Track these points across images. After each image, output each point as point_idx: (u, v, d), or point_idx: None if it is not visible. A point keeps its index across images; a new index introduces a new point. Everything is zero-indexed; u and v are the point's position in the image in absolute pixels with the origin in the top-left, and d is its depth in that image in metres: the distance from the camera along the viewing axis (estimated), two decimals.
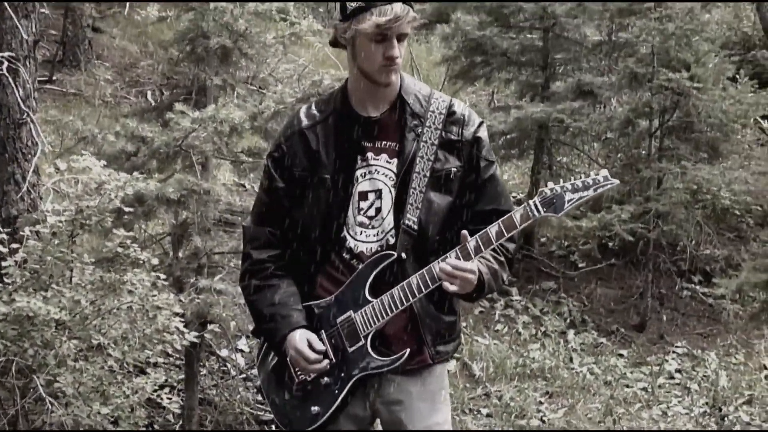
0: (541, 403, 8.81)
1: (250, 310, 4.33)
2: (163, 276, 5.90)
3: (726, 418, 8.41)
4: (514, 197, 13.06)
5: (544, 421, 8.44)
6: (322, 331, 4.16)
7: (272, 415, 4.42)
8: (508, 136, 11.40)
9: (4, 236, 6.00)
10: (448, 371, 8.98)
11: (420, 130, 4.06)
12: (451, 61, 12.22)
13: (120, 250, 5.74)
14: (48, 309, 5.24)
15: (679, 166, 10.46)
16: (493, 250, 4.02)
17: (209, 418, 7.58)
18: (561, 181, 3.92)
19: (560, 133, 11.54)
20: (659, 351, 10.19)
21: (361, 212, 4.12)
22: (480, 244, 3.91)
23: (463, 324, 9.98)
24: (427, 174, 4.05)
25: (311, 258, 4.18)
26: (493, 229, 3.90)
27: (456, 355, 9.36)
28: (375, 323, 4.07)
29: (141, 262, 5.73)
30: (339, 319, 4.13)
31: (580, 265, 11.52)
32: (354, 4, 3.90)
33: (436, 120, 4.08)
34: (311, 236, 4.15)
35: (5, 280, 5.89)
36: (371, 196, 4.11)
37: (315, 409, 4.16)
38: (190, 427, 7.16)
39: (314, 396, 4.16)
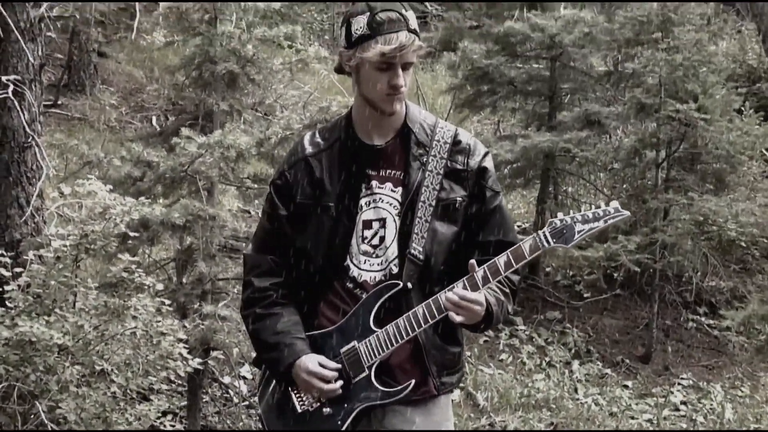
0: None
1: (252, 339, 4.27)
2: (167, 301, 5.84)
3: None
4: (519, 227, 13.02)
5: None
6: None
7: None
8: (514, 165, 11.35)
9: (8, 260, 5.96)
10: (452, 401, 9.02)
11: (425, 159, 4.03)
12: (456, 90, 12.19)
13: (125, 275, 5.69)
14: (51, 334, 5.19)
15: (685, 197, 10.41)
16: (499, 281, 3.97)
17: None
18: (569, 211, 3.90)
19: (566, 163, 11.49)
20: (664, 382, 10.12)
21: (365, 241, 4.07)
22: (488, 274, 3.87)
23: (468, 353, 9.92)
24: (433, 203, 4.02)
25: (314, 286, 4.13)
26: (501, 260, 3.86)
27: (460, 384, 9.32)
28: (380, 354, 4.01)
29: (145, 287, 5.68)
30: (343, 349, 4.07)
31: (585, 295, 11.46)
32: (359, 32, 3.87)
33: (442, 149, 4.04)
34: (314, 265, 4.10)
35: (8, 304, 5.84)
36: (375, 225, 4.07)
37: None
38: None
39: (317, 427, 4.09)
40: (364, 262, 4.07)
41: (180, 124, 7.74)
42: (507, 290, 4.06)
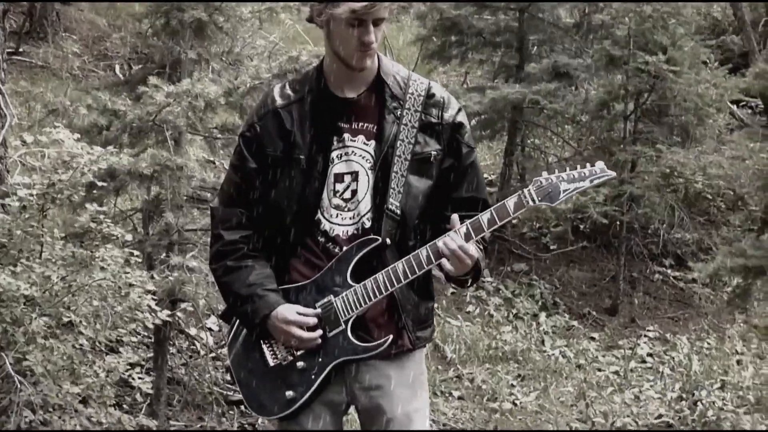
0: (513, 386, 8.75)
1: (222, 292, 4.18)
2: (136, 252, 5.76)
3: (699, 403, 8.35)
4: (486, 179, 12.98)
5: (516, 405, 8.39)
6: None
7: (241, 396, 4.27)
8: (482, 117, 11.30)
9: None
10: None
11: (399, 113, 3.96)
12: (424, 41, 12.09)
13: (92, 225, 5.58)
14: (17, 285, 5.09)
15: (653, 150, 10.42)
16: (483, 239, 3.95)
17: (177, 397, 7.47)
18: (550, 169, 3.88)
19: (534, 115, 11.46)
20: (631, 335, 10.17)
21: (337, 194, 4.01)
22: (470, 230, 3.82)
23: (435, 305, 9.89)
24: (408, 158, 3.96)
25: (285, 241, 4.06)
26: (484, 217, 3.82)
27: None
28: (357, 308, 3.95)
29: (113, 237, 5.59)
30: (318, 303, 4.00)
31: (552, 247, 11.46)
32: None
33: (416, 102, 3.98)
34: (285, 218, 4.02)
35: None
36: (347, 179, 4.00)
37: (289, 393, 4.01)
38: (158, 407, 7.04)
39: (289, 380, 4.02)
40: (336, 216, 4.01)
41: (147, 72, 7.63)
42: (481, 246, 4.01)
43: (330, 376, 4.01)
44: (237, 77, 7.22)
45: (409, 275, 3.87)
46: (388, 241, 3.93)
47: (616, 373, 9.20)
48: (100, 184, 6.08)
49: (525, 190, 3.82)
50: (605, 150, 11.24)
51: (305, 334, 3.95)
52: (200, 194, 7.46)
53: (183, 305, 6.77)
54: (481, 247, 3.99)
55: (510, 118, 11.29)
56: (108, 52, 15.10)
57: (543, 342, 9.70)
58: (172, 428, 7.13)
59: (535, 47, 11.79)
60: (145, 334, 7.43)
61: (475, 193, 4.04)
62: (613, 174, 3.85)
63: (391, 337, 3.95)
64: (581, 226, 11.22)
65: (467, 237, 3.81)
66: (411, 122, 3.96)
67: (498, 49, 11.68)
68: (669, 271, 11.37)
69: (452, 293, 10.35)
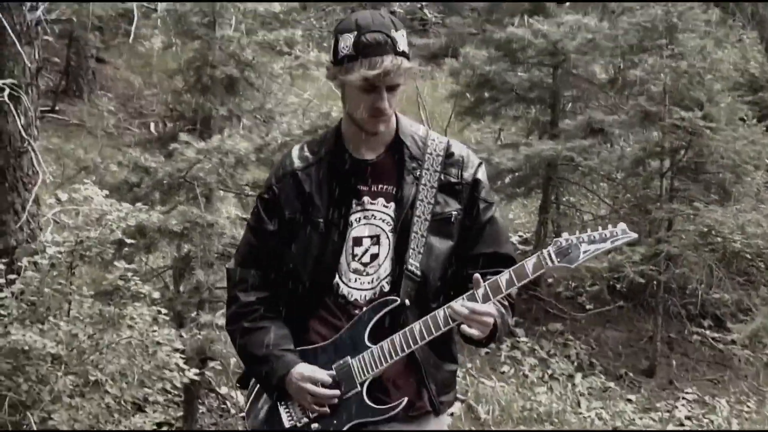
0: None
1: (240, 355, 4.07)
2: (164, 310, 5.67)
3: None
4: (520, 236, 12.88)
5: None
6: None
7: None
8: (516, 174, 11.21)
9: (1, 267, 5.81)
10: (452, 414, 8.87)
11: (419, 173, 3.87)
12: (458, 97, 12.04)
13: (120, 283, 5.52)
14: (44, 342, 5.02)
15: (690, 208, 10.27)
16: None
17: None
18: (574, 230, 3.75)
19: (569, 172, 11.34)
20: (669, 397, 9.96)
21: (356, 258, 3.89)
22: (489, 291, 3.69)
23: (468, 365, 9.78)
24: (428, 218, 3.85)
25: (302, 303, 3.95)
26: (503, 278, 3.69)
27: (461, 397, 9.19)
28: (373, 370, 3.83)
29: (142, 295, 5.51)
30: (335, 365, 3.88)
31: (588, 307, 11.31)
32: (345, 51, 3.68)
33: (435, 162, 3.89)
34: (302, 281, 3.92)
35: (1, 312, 5.68)
36: (366, 242, 3.89)
37: None
38: None
39: None
40: (355, 281, 3.89)
41: (178, 129, 7.60)
42: (506, 303, 3.87)
43: None
44: (268, 134, 7.19)
45: (426, 336, 3.75)
46: (407, 302, 3.81)
47: None
48: (129, 241, 6.01)
49: (544, 251, 3.70)
50: (641, 208, 11.10)
51: (321, 391, 3.82)
52: (231, 252, 7.38)
53: (212, 364, 6.65)
54: (506, 303, 3.87)
55: (544, 175, 11.18)
56: (143, 110, 15.17)
57: (579, 403, 9.52)
58: None
59: (570, 103, 11.72)
60: (176, 392, 7.35)
61: (496, 248, 3.91)
62: (635, 235, 3.73)
63: (406, 399, 3.81)
64: (618, 286, 11.07)
65: (485, 298, 3.68)
66: (430, 182, 3.87)
67: (531, 105, 11.61)
68: (707, 332, 11.17)
69: (486, 353, 10.21)
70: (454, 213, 3.88)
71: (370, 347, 3.82)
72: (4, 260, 5.95)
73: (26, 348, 4.99)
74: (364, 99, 3.71)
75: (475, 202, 3.91)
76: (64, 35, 14.66)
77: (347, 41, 3.68)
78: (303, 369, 3.85)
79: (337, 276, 3.90)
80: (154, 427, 5.76)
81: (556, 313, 11.11)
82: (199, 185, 6.85)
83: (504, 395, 9.28)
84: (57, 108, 14.41)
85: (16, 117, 7.37)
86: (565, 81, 11.32)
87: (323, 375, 3.84)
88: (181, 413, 7.21)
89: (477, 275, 3.72)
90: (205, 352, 6.58)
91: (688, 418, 9.51)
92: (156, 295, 5.74)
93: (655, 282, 10.40)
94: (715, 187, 10.96)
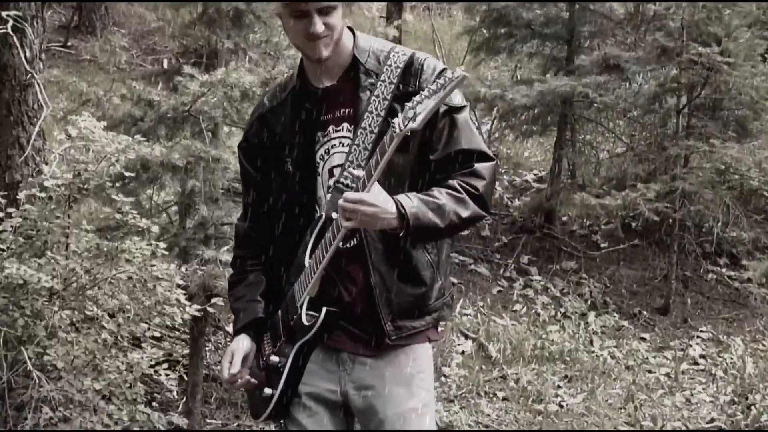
0: (559, 387, 8.49)
1: None
2: (162, 245, 5.58)
3: (753, 407, 8.08)
4: (535, 174, 12.77)
5: (562, 406, 8.13)
6: (279, 312, 3.91)
7: None
8: (531, 111, 11.07)
9: (2, 201, 5.73)
10: (464, 352, 8.81)
11: (373, 89, 3.72)
12: (473, 32, 11.86)
13: (118, 216, 5.42)
14: (39, 277, 4.94)
15: (707, 144, 10.08)
16: (451, 188, 3.64)
17: (214, 395, 7.34)
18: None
19: (584, 109, 11.19)
20: (683, 335, 9.85)
21: (330, 190, 3.77)
22: (365, 180, 3.50)
23: (480, 303, 9.71)
24: (374, 131, 3.66)
25: (287, 245, 3.89)
26: (372, 160, 3.50)
27: (472, 335, 9.11)
28: (305, 288, 3.75)
29: (140, 230, 5.42)
30: (288, 295, 3.86)
31: (602, 245, 11.20)
32: None
33: (392, 74, 3.71)
34: (283, 225, 3.87)
35: (1, 246, 5.61)
36: (336, 172, 3.76)
37: (267, 391, 3.85)
38: (193, 404, 6.89)
39: (268, 379, 3.88)
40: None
41: (185, 63, 7.48)
42: (462, 195, 3.65)
43: (298, 365, 3.80)
44: (275, 67, 7.05)
45: (332, 240, 3.62)
46: (334, 215, 3.63)
47: (667, 375, 8.90)
48: (128, 175, 5.92)
49: (395, 120, 3.44)
50: (659, 145, 10.95)
51: (225, 376, 3.91)
52: (237, 187, 7.29)
53: (216, 300, 6.57)
54: (463, 195, 3.64)
55: (559, 111, 11.03)
56: (156, 46, 15.05)
57: (591, 342, 9.42)
58: (205, 428, 6.97)
59: (587, 39, 11.54)
60: (184, 329, 7.29)
61: (457, 146, 3.70)
62: (465, 74, 3.42)
63: (325, 309, 3.72)
64: (633, 224, 10.96)
65: (362, 186, 3.51)
66: (383, 94, 3.69)
67: (547, 41, 11.43)
68: (723, 270, 11.05)
69: (498, 291, 10.13)
70: None
71: (305, 267, 3.75)
72: (2, 194, 5.86)
73: (21, 282, 4.93)
74: (297, 26, 3.59)
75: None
76: None
77: None
78: (240, 341, 3.95)
79: (315, 213, 3.80)
80: (159, 361, 5.69)
81: (570, 251, 11.01)
82: (204, 119, 6.74)
83: (516, 334, 9.20)
84: (69, 44, 14.30)
85: (21, 50, 7.26)
86: (582, 16, 11.13)
87: (227, 371, 3.89)
88: (187, 351, 7.16)
89: (349, 168, 3.63)
90: (210, 288, 6.50)
91: (702, 356, 9.41)
92: (155, 229, 5.64)
93: (670, 220, 10.26)
94: (732, 124, 10.79)
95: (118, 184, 6.31)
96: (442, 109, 3.65)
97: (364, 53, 3.77)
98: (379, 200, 3.50)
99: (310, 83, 3.80)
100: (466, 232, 10.89)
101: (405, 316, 3.81)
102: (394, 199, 3.54)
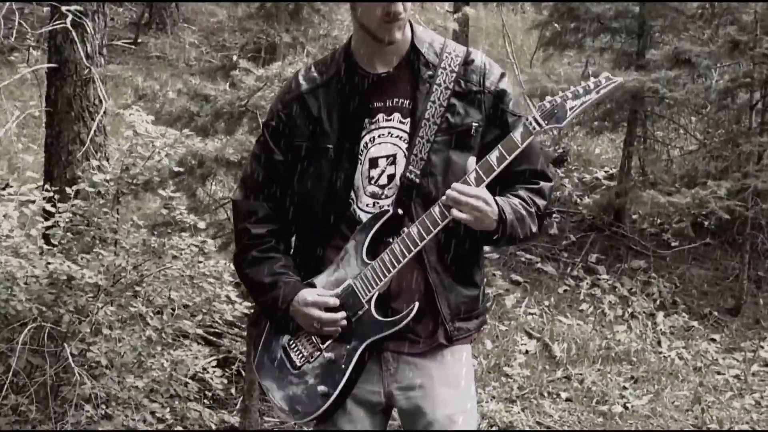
0: (625, 388, 8.31)
1: (246, 283, 3.91)
2: (210, 241, 5.50)
3: None
4: (606, 172, 12.56)
5: (627, 408, 7.95)
6: None
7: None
8: (601, 107, 10.87)
9: (54, 195, 5.71)
10: (527, 351, 8.66)
11: (433, 80, 3.63)
12: (542, 27, 11.69)
13: (164, 212, 5.36)
14: (83, 273, 4.89)
15: None
16: (523, 200, 3.61)
17: None
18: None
19: (655, 105, 10.97)
20: (754, 337, 9.60)
21: (372, 181, 3.67)
22: (480, 173, 3.46)
23: (546, 302, 9.55)
24: (437, 122, 3.59)
25: (317, 234, 3.76)
26: (493, 155, 3.46)
27: (536, 335, 8.96)
28: (376, 284, 3.61)
29: (187, 225, 5.35)
30: (339, 289, 3.68)
31: (673, 244, 10.97)
32: None
33: (452, 62, 3.64)
34: (315, 212, 3.71)
35: (52, 241, 5.58)
36: (382, 162, 3.66)
37: (322, 388, 3.68)
38: (251, 402, 6.82)
39: (320, 376, 3.70)
40: (373, 205, 3.67)
41: (244, 57, 7.43)
42: (532, 210, 3.65)
43: (363, 363, 3.68)
44: None
45: (425, 235, 3.51)
46: (399, 211, 3.58)
47: (737, 377, 8.68)
48: (176, 170, 5.85)
49: (530, 117, 3.45)
50: (733, 142, 10.69)
51: (327, 316, 3.62)
52: None
53: None
54: (531, 211, 3.64)
55: (629, 108, 10.82)
56: (226, 42, 15.07)
57: (659, 343, 9.22)
58: (263, 427, 6.90)
59: (658, 34, 11.31)
60: (242, 326, 7.23)
61: (528, 164, 3.67)
62: (620, 80, 3.46)
63: (417, 305, 3.59)
64: (705, 223, 10.73)
65: (478, 181, 3.46)
66: (444, 83, 3.61)
67: (618, 35, 11.23)
68: None
69: (564, 290, 9.96)
70: (475, 125, 3.63)
71: (370, 263, 3.60)
72: (54, 188, 5.83)
73: (63, 278, 4.88)
74: (375, 4, 3.47)
75: (503, 115, 3.65)
76: None
77: None
78: (307, 294, 3.66)
79: (353, 203, 3.69)
80: (218, 359, 5.61)
81: (640, 250, 10.80)
82: (261, 114, 6.66)
83: (581, 333, 9.03)
84: (139, 40, 14.36)
85: (81, 44, 7.26)
86: (653, 10, 10.91)
87: (328, 298, 3.63)
88: (245, 348, 7.09)
89: (470, 158, 3.51)
90: None
91: None
92: (201, 225, 5.56)
93: (742, 218, 10.01)
94: None
95: (173, 180, 6.27)
96: (512, 118, 3.65)
97: (423, 43, 3.68)
98: (491, 199, 3.47)
99: (359, 67, 3.69)
100: None
101: (462, 318, 3.77)
102: (495, 200, 3.49)
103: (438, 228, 3.50)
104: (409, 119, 3.64)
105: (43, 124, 7.53)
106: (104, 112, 7.17)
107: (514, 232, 3.56)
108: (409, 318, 3.59)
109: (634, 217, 11.47)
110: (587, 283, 10.10)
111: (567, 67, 14.78)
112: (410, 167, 3.58)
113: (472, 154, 3.59)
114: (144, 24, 14.84)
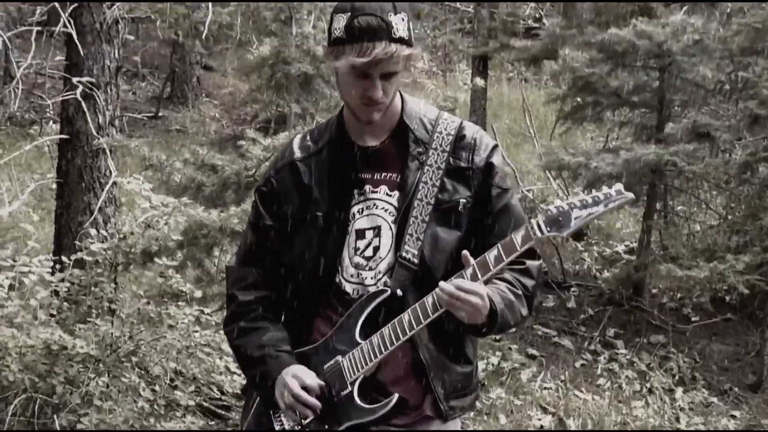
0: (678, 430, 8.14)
1: (236, 355, 3.84)
2: (207, 310, 5.44)
3: None
4: (626, 246, 12.43)
5: None
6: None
7: None
8: (620, 181, 10.75)
9: (53, 264, 5.66)
10: (542, 427, 8.51)
11: (424, 158, 3.58)
12: (560, 100, 11.65)
13: (160, 280, 5.30)
14: (74, 343, 4.82)
15: None
16: (509, 283, 3.53)
17: None
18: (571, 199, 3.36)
19: (674, 178, 10.86)
20: None
21: (358, 252, 3.60)
22: (477, 270, 3.36)
23: (561, 377, 9.41)
24: (431, 202, 3.54)
25: (304, 302, 3.69)
26: (491, 254, 3.35)
27: (551, 409, 8.82)
28: (362, 367, 3.52)
29: (183, 294, 5.29)
30: (326, 366, 3.60)
31: (692, 319, 10.80)
32: (336, 33, 3.40)
33: (444, 141, 3.59)
34: (302, 280, 3.65)
35: (51, 311, 5.53)
36: (369, 234, 3.60)
37: None
38: None
39: None
40: (357, 276, 3.60)
41: (254, 128, 7.43)
42: (520, 292, 3.56)
43: None
44: None
45: (415, 325, 3.42)
46: (399, 292, 3.51)
47: None
48: (174, 238, 5.80)
49: (533, 221, 3.34)
50: (755, 217, 10.57)
51: (304, 395, 3.51)
52: None
53: None
54: (520, 293, 3.56)
55: (648, 181, 10.72)
56: (247, 116, 15.10)
57: (678, 419, 9.05)
58: None
59: (678, 108, 11.24)
60: (234, 399, 7.13)
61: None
62: (632, 196, 3.33)
63: (396, 396, 3.49)
64: (726, 297, 10.58)
65: (473, 277, 3.35)
66: (436, 163, 3.56)
67: (636, 109, 11.16)
68: None
69: (582, 365, 9.81)
70: (463, 201, 3.55)
71: (360, 343, 3.51)
72: (54, 258, 5.80)
73: (55, 348, 4.81)
74: (356, 86, 3.43)
75: (488, 189, 3.58)
76: (169, 42, 14.70)
77: (339, 23, 3.40)
78: (296, 370, 3.56)
79: (338, 274, 3.61)
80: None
81: (659, 324, 10.63)
82: None
83: (597, 409, 8.87)
84: (161, 114, 14.42)
85: (92, 116, 7.29)
86: (672, 84, 10.84)
87: (313, 380, 3.54)
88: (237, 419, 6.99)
89: (465, 251, 3.40)
90: None
91: None
92: (198, 294, 5.50)
93: (763, 293, 9.86)
94: None
95: (180, 251, 6.22)
96: (496, 191, 3.61)
97: (412, 119, 3.64)
98: (485, 295, 3.38)
99: (350, 138, 3.65)
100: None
101: (456, 396, 3.69)
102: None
103: (429, 319, 3.42)
104: (397, 192, 3.59)
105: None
106: (113, 183, 7.16)
107: (505, 322, 3.48)
108: (386, 409, 3.51)
109: (654, 291, 11.33)
110: (605, 358, 9.95)
111: (588, 141, 14.76)
112: (407, 247, 3.53)
113: (459, 232, 3.56)
114: (165, 98, 14.91)
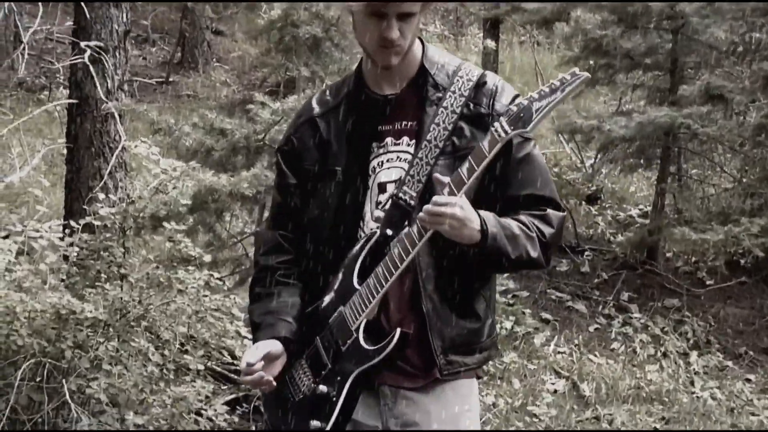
0: (656, 429, 8.10)
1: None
2: (216, 275, 5.40)
3: None
4: (640, 209, 12.36)
5: None
6: (317, 336, 3.58)
7: None
8: (633, 144, 10.69)
9: (63, 229, 5.63)
10: (556, 391, 8.47)
11: (441, 102, 3.48)
12: (572, 63, 11.53)
13: (168, 245, 5.27)
14: (83, 307, 4.79)
15: None
16: (522, 223, 3.41)
17: None
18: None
19: (688, 141, 10.78)
20: None
21: (380, 207, 3.52)
22: (452, 188, 3.25)
23: (575, 341, 9.36)
24: (439, 145, 3.43)
25: (326, 260, 3.61)
26: (463, 167, 3.24)
27: (565, 373, 8.78)
28: (363, 310, 3.45)
29: (192, 258, 5.25)
30: (331, 319, 3.54)
31: (708, 283, 10.74)
32: None
33: (463, 87, 3.48)
34: (324, 238, 3.58)
35: (60, 276, 5.50)
36: (391, 188, 3.51)
37: (314, 423, 3.52)
38: None
39: (314, 409, 3.54)
40: None
41: (263, 92, 7.36)
42: (533, 234, 3.43)
43: (354, 395, 3.50)
44: None
45: (405, 256, 3.33)
46: (389, 231, 3.42)
47: None
48: (183, 203, 5.76)
49: (495, 124, 3.22)
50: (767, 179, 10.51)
51: (245, 367, 3.44)
52: None
53: None
54: (534, 235, 3.43)
55: (662, 144, 10.63)
56: (258, 81, 15.02)
57: (692, 383, 9.00)
58: None
59: (691, 69, 11.13)
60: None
61: (533, 189, 3.48)
62: (587, 75, 3.20)
63: (399, 330, 3.40)
64: (741, 261, 10.51)
65: (450, 194, 3.25)
66: (452, 106, 3.46)
67: (648, 71, 11.06)
68: None
69: (596, 329, 9.76)
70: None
71: (358, 289, 3.45)
72: (63, 223, 5.77)
73: (63, 312, 4.79)
74: (371, 27, 3.35)
75: None
76: (179, 7, 14.65)
77: None
78: (263, 343, 3.53)
79: (360, 229, 3.55)
80: (200, 398, 5.44)
81: (673, 288, 10.56)
82: None
83: (611, 373, 8.82)
84: (171, 79, 14.36)
85: (101, 80, 7.24)
86: (685, 46, 10.74)
87: (254, 357, 3.46)
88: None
89: (436, 174, 3.33)
90: None
91: None
92: (207, 258, 5.46)
93: None
94: None
95: (190, 214, 6.19)
96: (517, 140, 3.43)
97: (433, 65, 3.55)
98: (468, 208, 3.27)
99: (369, 89, 3.58)
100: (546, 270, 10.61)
101: (458, 351, 3.57)
102: (478, 212, 3.30)
103: (417, 246, 3.32)
104: (415, 141, 3.51)
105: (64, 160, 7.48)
106: (123, 148, 7.11)
107: (499, 249, 3.34)
108: (392, 344, 3.41)
109: (668, 255, 11.25)
110: (619, 322, 9.89)
111: (601, 104, 14.65)
112: (405, 188, 3.44)
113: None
114: (176, 63, 14.84)
